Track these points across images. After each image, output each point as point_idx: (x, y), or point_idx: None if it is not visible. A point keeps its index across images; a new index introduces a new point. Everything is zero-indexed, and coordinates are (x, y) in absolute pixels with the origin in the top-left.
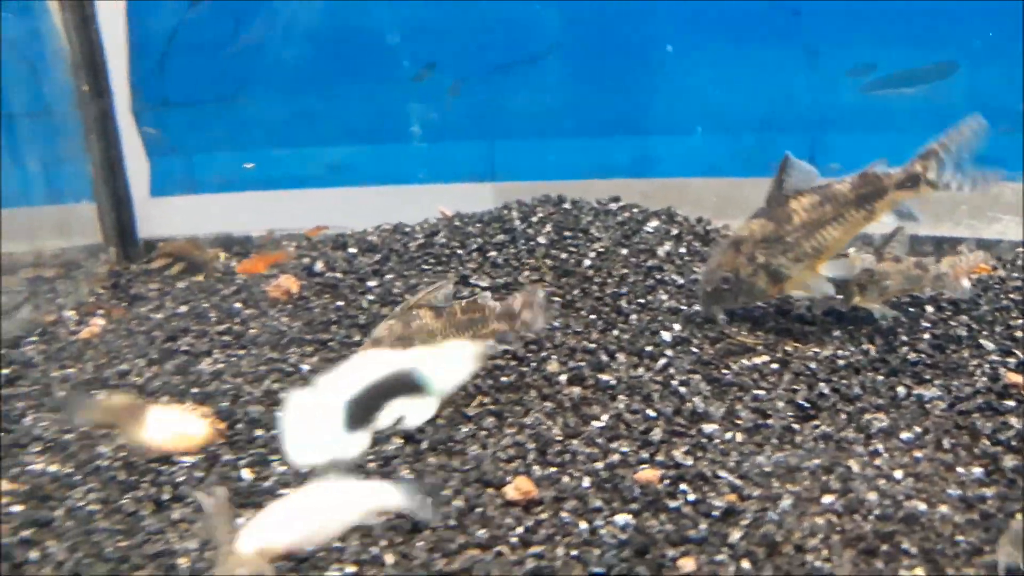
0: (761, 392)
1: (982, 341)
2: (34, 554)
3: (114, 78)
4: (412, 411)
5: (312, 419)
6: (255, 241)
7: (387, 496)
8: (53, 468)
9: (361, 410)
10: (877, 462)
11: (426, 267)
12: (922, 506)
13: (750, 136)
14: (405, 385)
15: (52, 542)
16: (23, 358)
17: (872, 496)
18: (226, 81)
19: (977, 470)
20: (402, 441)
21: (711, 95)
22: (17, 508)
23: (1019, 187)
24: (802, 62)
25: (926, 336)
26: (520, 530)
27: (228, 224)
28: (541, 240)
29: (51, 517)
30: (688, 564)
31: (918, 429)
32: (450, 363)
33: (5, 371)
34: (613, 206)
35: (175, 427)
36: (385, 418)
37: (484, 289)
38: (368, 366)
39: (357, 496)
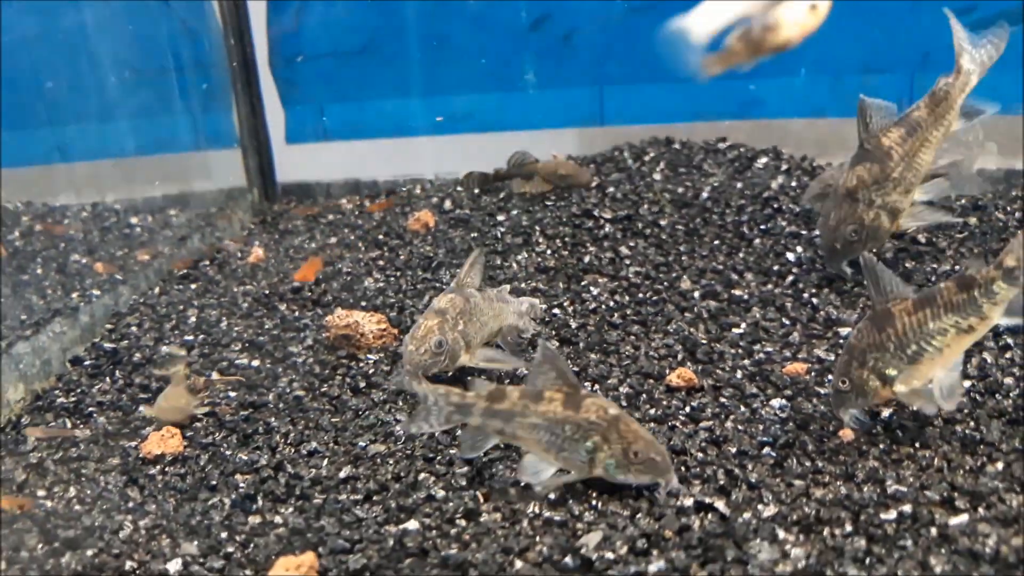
0: None
1: None
2: (259, 427)
3: (255, 33)
4: None
5: None
6: (381, 186)
7: None
8: (255, 363)
9: None
10: (1008, 354)
11: (548, 203)
12: None
13: (852, 77)
14: None
15: (272, 418)
16: (207, 276)
17: (1008, 380)
18: (355, 35)
19: None
20: (559, 343)
21: (814, 37)
22: (232, 394)
23: None
24: (904, 3)
25: None
26: (687, 410)
27: (357, 170)
28: (656, 176)
29: (265, 400)
30: (848, 434)
31: None
32: None
33: (192, 286)
34: (721, 145)
35: None
36: None
37: (608, 221)
38: None
39: None
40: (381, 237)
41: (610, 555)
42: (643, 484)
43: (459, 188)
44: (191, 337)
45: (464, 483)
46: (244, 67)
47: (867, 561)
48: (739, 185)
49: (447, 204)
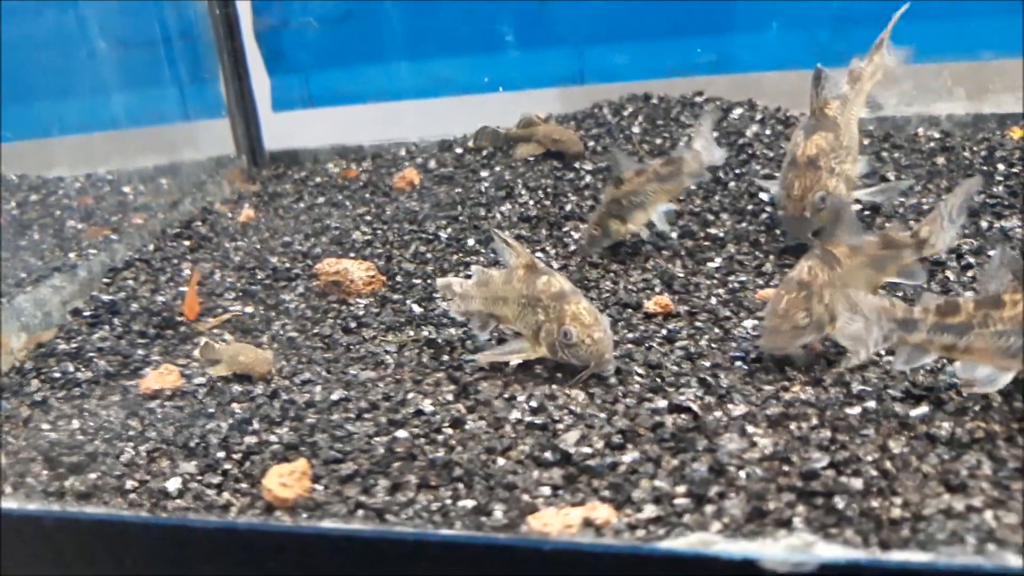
0: None
1: None
2: None
3: (239, 3)
4: None
5: None
6: (367, 150)
7: None
8: (249, 309)
9: None
10: (970, 273)
11: (531, 159)
12: None
13: (823, 30)
14: None
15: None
16: (199, 234)
17: (968, 295)
18: (338, 2)
19: None
20: None
21: None
22: (228, 336)
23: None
24: None
25: (1000, 188)
26: (664, 332)
27: (344, 135)
28: (635, 130)
29: (259, 342)
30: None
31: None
32: None
33: (185, 242)
34: (698, 99)
35: None
36: None
37: (588, 172)
38: None
39: None
40: (368, 195)
41: (587, 449)
42: None
43: (470, 144)
44: (186, 288)
45: (451, 398)
46: (229, 37)
47: (831, 448)
48: (715, 134)
49: (432, 164)
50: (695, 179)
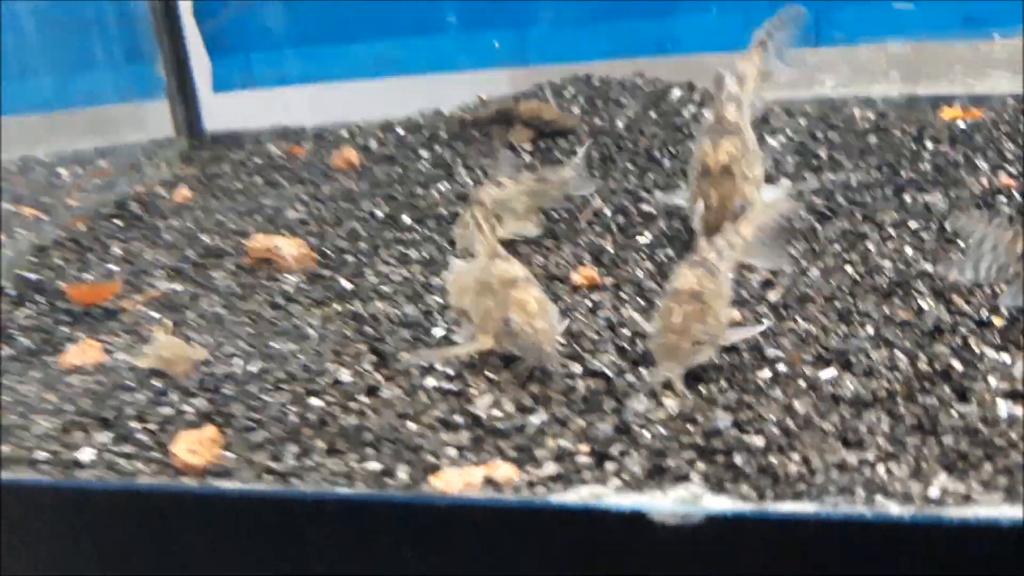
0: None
1: (977, 162)
2: (190, 332)
3: None
4: None
5: None
6: (308, 132)
7: None
8: (178, 287)
9: None
10: (890, 244)
11: (473, 138)
12: (927, 266)
13: (761, 11)
14: None
15: (191, 333)
16: (131, 214)
17: (887, 263)
18: None
19: None
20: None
21: None
22: (154, 315)
23: (1013, 44)
24: None
25: (927, 165)
26: (588, 303)
27: (285, 116)
28: (575, 110)
29: (185, 319)
30: (735, 315)
31: (923, 221)
32: None
33: (118, 221)
34: (639, 80)
35: None
36: None
37: (527, 152)
38: None
39: None
40: (306, 175)
41: (498, 412)
42: None
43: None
44: (115, 267)
45: (370, 368)
46: (168, 17)
47: (737, 408)
48: (653, 115)
49: (373, 144)
50: (554, 204)
